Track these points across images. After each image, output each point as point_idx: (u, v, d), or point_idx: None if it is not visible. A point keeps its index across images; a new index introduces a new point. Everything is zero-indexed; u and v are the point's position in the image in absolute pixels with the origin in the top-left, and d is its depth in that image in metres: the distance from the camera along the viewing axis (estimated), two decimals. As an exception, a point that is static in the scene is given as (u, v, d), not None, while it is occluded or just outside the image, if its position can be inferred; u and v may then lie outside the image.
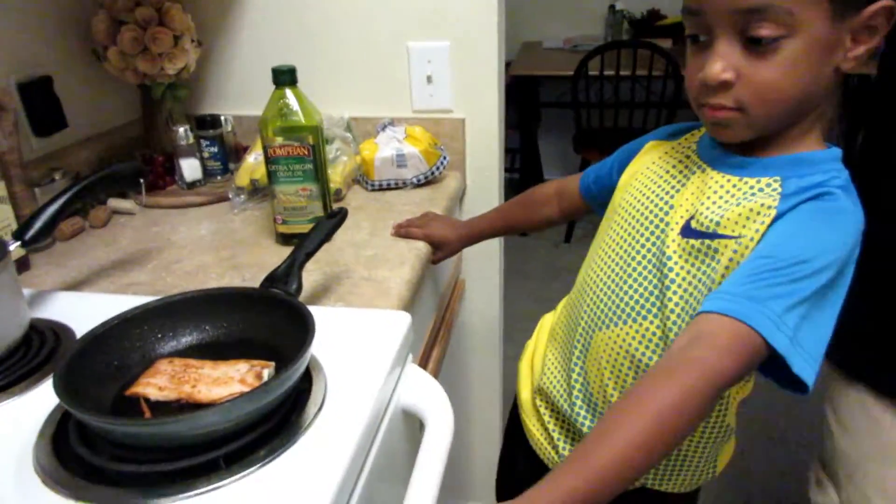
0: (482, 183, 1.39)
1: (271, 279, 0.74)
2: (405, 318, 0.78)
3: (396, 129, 1.26)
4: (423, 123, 1.30)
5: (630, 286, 0.76)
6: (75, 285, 0.92)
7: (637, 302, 0.75)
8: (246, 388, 0.61)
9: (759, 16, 0.59)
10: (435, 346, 1.17)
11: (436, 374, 1.12)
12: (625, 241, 0.78)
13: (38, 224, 0.78)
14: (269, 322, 0.70)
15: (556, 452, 0.90)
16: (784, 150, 0.68)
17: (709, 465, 0.86)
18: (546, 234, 3.58)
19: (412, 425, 0.78)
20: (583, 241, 3.50)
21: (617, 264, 0.78)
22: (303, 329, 0.64)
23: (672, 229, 0.72)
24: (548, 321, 1.01)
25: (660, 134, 0.85)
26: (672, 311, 0.71)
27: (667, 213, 0.74)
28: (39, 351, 0.72)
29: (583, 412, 0.83)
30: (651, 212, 0.76)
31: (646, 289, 0.74)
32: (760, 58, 0.61)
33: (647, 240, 0.75)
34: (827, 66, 0.63)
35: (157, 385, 0.62)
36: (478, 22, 1.25)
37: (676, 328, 0.72)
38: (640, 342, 0.75)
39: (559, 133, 3.95)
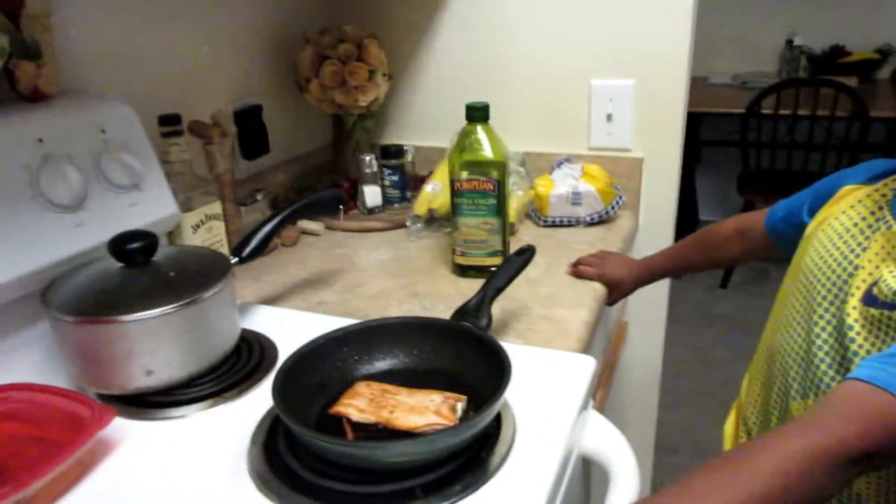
0: (656, 224, 1.34)
1: (462, 312, 0.75)
2: (590, 363, 0.77)
3: (574, 166, 1.26)
4: (599, 161, 1.28)
5: (816, 355, 0.70)
6: (272, 299, 1.00)
7: (825, 374, 0.69)
8: (441, 419, 0.62)
9: None
10: (599, 389, 1.14)
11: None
12: (808, 303, 0.73)
13: (253, 243, 0.85)
14: (459, 354, 0.72)
15: None
16: None
17: None
18: (699, 278, 3.41)
19: (586, 472, 0.77)
20: (740, 288, 3.29)
21: (801, 330, 0.73)
22: (496, 366, 0.65)
23: (852, 295, 0.66)
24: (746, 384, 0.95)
25: (858, 175, 0.77)
26: None
27: (851, 276, 0.67)
28: (248, 360, 0.78)
29: None
30: (835, 272, 0.70)
31: (833, 359, 0.68)
32: None
33: (830, 305, 0.69)
34: None
35: (358, 407, 0.65)
36: (665, 61, 1.22)
37: None
38: None
39: (718, 173, 3.76)
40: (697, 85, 3.68)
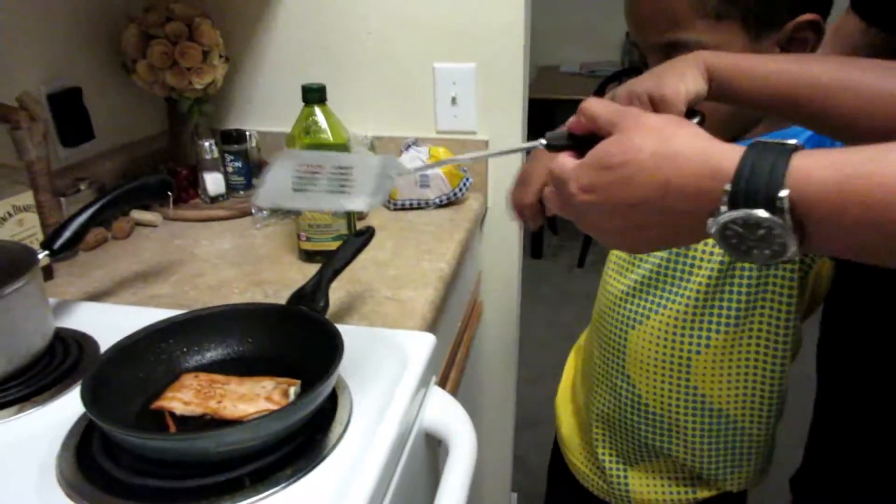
0: (504, 204, 1.38)
1: (299, 296, 0.73)
2: (429, 340, 0.78)
3: (420, 149, 1.27)
4: (446, 144, 1.30)
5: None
6: (98, 296, 0.92)
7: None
8: (272, 406, 0.60)
9: (674, 49, 0.62)
10: (453, 368, 1.16)
11: (453, 395, 1.11)
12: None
13: (66, 234, 0.78)
14: (295, 339, 0.70)
15: (609, 483, 0.88)
16: None
17: (762, 453, 0.83)
18: (559, 259, 3.57)
19: (433, 448, 0.77)
20: (596, 267, 3.48)
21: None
22: (331, 348, 0.64)
23: None
24: (573, 356, 1.00)
25: None
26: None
27: None
28: (64, 361, 0.72)
29: (642, 425, 0.83)
30: None
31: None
32: None
33: None
34: None
35: (182, 399, 0.62)
36: (503, 45, 1.25)
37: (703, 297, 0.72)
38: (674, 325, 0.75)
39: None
40: (550, 73, 3.89)
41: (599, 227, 0.48)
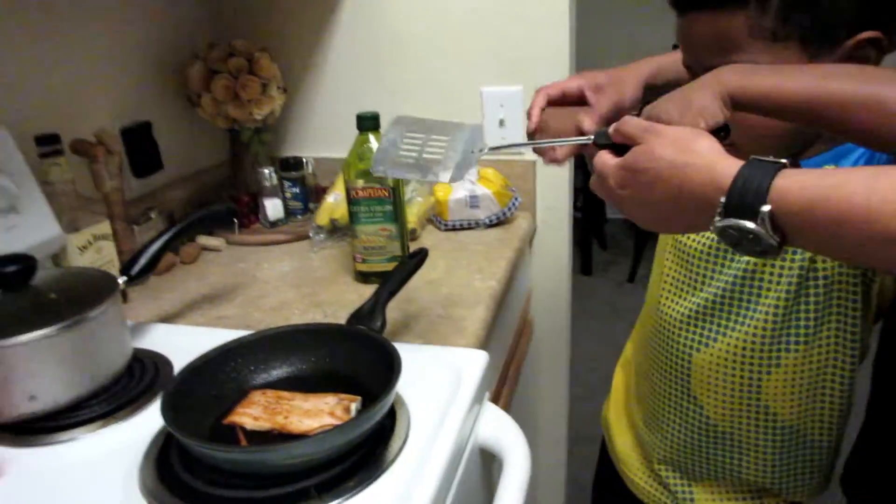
0: (552, 223, 1.40)
1: (357, 316, 0.77)
2: (482, 357, 0.80)
3: (471, 170, 1.30)
4: (495, 166, 1.33)
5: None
6: (170, 317, 0.98)
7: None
8: (335, 421, 0.64)
9: None
10: (506, 384, 1.17)
11: (506, 411, 1.13)
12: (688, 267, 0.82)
13: (142, 261, 0.84)
14: (355, 357, 0.73)
15: (675, 497, 0.89)
16: None
17: (828, 463, 0.83)
18: (609, 274, 3.55)
19: (487, 463, 0.80)
20: (645, 282, 3.44)
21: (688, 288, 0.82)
22: (388, 365, 0.67)
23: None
24: (619, 371, 1.01)
25: None
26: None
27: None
28: (141, 379, 0.77)
29: (711, 445, 0.84)
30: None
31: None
32: None
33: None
34: None
35: (252, 415, 0.66)
36: (549, 67, 1.28)
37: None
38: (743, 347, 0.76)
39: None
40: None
41: (634, 216, 0.58)
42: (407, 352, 0.70)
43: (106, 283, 0.77)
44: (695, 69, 0.68)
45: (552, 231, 1.41)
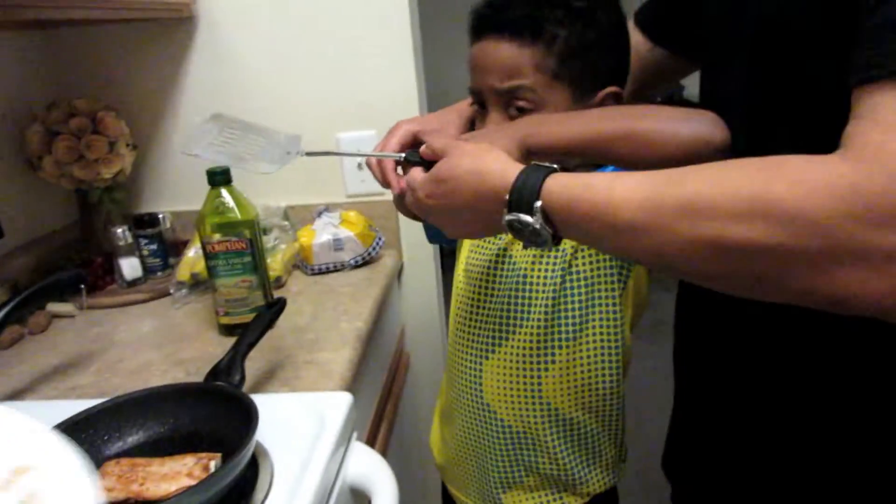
0: (418, 257, 1.45)
1: (215, 372, 0.77)
2: (346, 398, 0.82)
3: (332, 214, 1.33)
4: (357, 207, 1.36)
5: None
6: (18, 393, 0.93)
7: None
8: (193, 481, 0.63)
9: (515, 93, 0.75)
10: (382, 422, 1.19)
11: (384, 449, 1.15)
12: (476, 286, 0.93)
13: (-21, 337, 0.80)
14: (214, 415, 0.73)
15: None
16: None
17: (612, 450, 0.92)
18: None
19: (360, 502, 0.81)
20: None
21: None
22: (247, 419, 0.67)
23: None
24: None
25: None
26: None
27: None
28: (-17, 464, 0.72)
29: (509, 445, 0.91)
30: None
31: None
32: None
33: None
34: None
35: (105, 487, 0.64)
36: (401, 111, 1.33)
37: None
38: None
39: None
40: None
41: (441, 223, 0.67)
42: (270, 402, 0.71)
43: (-64, 367, 0.72)
44: (482, 92, 0.78)
45: (419, 265, 1.46)
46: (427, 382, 1.55)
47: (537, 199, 0.55)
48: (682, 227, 0.47)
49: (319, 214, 1.34)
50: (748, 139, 0.63)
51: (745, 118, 0.64)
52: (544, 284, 0.83)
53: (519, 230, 0.57)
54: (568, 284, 0.83)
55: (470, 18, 0.79)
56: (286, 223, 1.35)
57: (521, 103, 0.75)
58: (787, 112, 0.59)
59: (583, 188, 0.53)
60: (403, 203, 0.75)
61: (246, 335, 0.82)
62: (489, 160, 0.61)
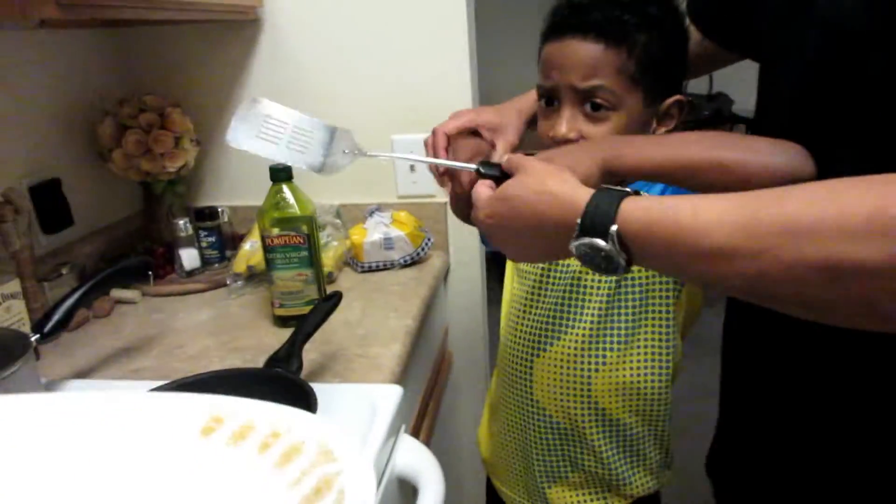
0: (465, 260, 1.47)
1: (274, 359, 0.80)
2: (397, 391, 0.85)
3: (384, 214, 1.36)
4: (408, 208, 1.39)
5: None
6: (85, 373, 0.98)
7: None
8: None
9: (594, 92, 0.75)
10: (426, 417, 1.22)
11: (427, 443, 1.17)
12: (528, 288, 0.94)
13: (55, 318, 0.84)
14: (274, 399, 0.75)
15: (533, 501, 0.97)
16: None
17: (657, 453, 0.93)
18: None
19: (406, 492, 0.84)
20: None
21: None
22: (305, 405, 0.70)
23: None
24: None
25: None
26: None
27: None
28: (57, 436, 0.77)
29: (557, 441, 0.92)
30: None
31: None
32: (595, 123, 0.77)
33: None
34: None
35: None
36: (454, 114, 1.36)
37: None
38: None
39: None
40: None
41: (501, 243, 0.65)
42: (325, 391, 0.74)
43: (18, 342, 0.77)
44: (557, 90, 0.78)
45: (465, 268, 1.48)
46: (467, 381, 1.57)
47: (613, 222, 0.52)
48: (786, 248, 0.44)
49: (371, 214, 1.37)
50: (808, 144, 0.63)
51: (805, 122, 0.64)
52: (598, 288, 0.85)
53: (589, 257, 0.54)
54: (623, 288, 0.84)
55: (548, 18, 0.80)
56: (338, 221, 1.39)
57: (598, 100, 0.76)
58: (851, 118, 0.59)
59: (664, 211, 0.50)
60: (458, 207, 0.77)
61: (304, 325, 0.85)
62: (558, 181, 0.58)
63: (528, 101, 0.91)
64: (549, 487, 0.95)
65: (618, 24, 0.75)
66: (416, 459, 0.81)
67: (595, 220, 0.53)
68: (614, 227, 0.52)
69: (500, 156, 0.83)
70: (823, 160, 0.61)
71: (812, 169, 0.62)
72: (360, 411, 0.80)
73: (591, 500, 0.94)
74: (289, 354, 0.81)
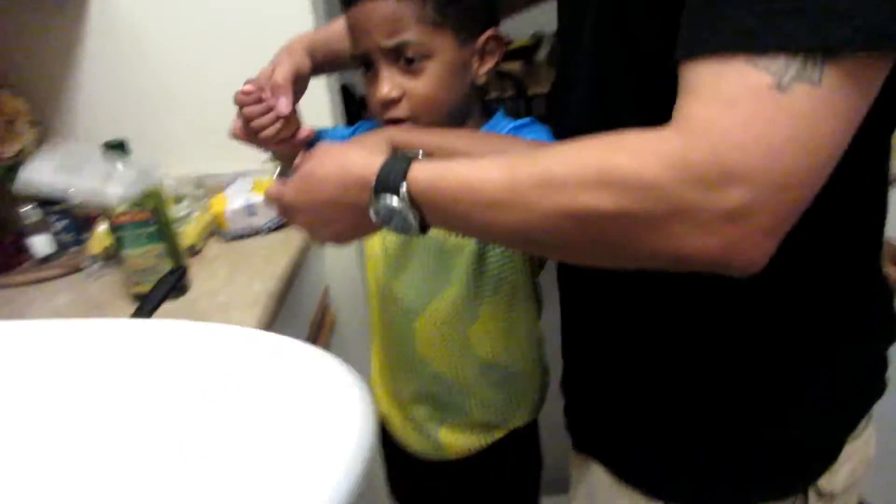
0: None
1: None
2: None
3: (245, 180, 1.34)
4: (272, 172, 1.38)
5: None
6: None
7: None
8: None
9: (402, 48, 0.77)
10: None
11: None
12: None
13: None
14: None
15: (427, 439, 1.01)
16: None
17: (535, 389, 1.00)
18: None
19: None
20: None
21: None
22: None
23: None
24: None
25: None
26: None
27: None
28: None
29: (443, 393, 0.97)
30: None
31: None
32: (414, 77, 0.78)
33: None
34: (464, 79, 0.81)
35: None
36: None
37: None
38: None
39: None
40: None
41: (304, 224, 0.68)
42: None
43: None
44: (369, 54, 0.79)
45: (339, 226, 1.49)
46: (355, 337, 1.60)
47: (403, 181, 0.55)
48: (539, 199, 0.49)
49: (233, 181, 1.35)
50: (597, 117, 0.64)
51: (593, 95, 0.65)
52: (462, 247, 0.87)
53: (387, 218, 0.57)
54: (485, 246, 0.87)
55: None
56: (200, 191, 1.36)
57: (409, 55, 0.77)
58: (630, 91, 0.61)
59: (447, 168, 0.55)
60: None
61: (145, 303, 0.85)
62: (352, 152, 0.63)
63: (307, 40, 0.91)
64: (438, 431, 1.00)
65: None
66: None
67: (388, 179, 0.57)
68: (404, 186, 0.56)
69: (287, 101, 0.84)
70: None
71: None
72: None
73: (478, 438, 0.99)
74: (132, 331, 0.81)
